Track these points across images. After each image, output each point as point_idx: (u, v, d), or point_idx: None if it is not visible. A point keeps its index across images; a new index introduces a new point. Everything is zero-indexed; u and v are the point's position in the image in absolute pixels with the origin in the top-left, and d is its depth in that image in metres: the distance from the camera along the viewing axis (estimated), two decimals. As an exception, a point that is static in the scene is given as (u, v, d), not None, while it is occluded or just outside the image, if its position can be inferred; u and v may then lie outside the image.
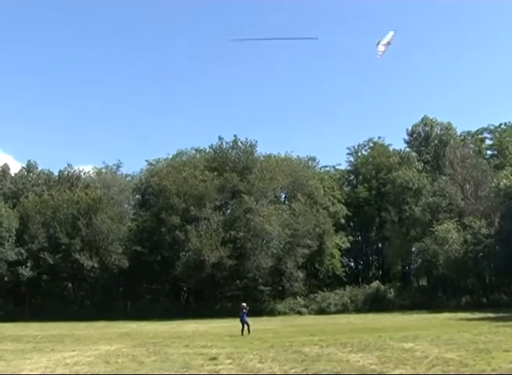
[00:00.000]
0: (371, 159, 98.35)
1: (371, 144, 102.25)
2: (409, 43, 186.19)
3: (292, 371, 18.96)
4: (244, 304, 40.06)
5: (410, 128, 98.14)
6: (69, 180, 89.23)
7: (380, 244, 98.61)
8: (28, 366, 22.20)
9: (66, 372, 20.35)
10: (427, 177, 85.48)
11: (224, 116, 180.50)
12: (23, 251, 75.79)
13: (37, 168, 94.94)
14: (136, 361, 23.23)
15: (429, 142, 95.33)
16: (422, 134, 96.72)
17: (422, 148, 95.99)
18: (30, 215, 78.14)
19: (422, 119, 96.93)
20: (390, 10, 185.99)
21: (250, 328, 37.67)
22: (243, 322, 38.02)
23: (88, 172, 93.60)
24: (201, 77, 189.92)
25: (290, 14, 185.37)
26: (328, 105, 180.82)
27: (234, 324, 47.16)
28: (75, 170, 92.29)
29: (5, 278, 75.58)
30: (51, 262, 74.30)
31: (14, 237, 76.61)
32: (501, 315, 51.37)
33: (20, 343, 34.45)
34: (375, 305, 71.80)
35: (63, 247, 74.97)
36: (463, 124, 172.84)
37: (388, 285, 78.56)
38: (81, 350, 28.65)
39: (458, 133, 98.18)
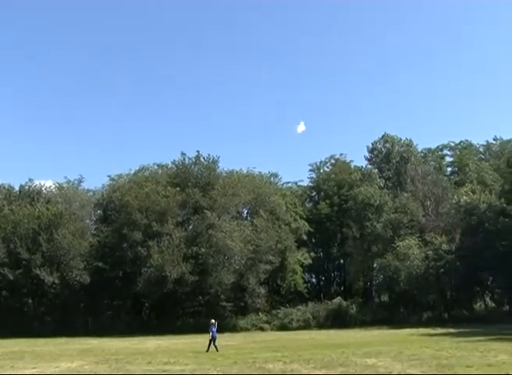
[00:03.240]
0: (332, 176, 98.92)
1: (333, 161, 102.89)
2: (370, 60, 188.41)
3: (256, 387, 18.97)
4: (213, 320, 39.87)
5: (370, 145, 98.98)
6: (29, 195, 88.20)
7: (342, 260, 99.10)
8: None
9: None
10: (388, 194, 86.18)
11: (186, 132, 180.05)
12: (-18, 266, 74.83)
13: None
14: (99, 378, 23.06)
15: (390, 159, 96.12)
16: (383, 151, 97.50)
17: (383, 165, 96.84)
18: (-11, 230, 77.23)
19: (383, 136, 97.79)
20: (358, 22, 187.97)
21: (216, 345, 37.48)
22: (213, 338, 37.77)
23: (50, 187, 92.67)
24: (164, 92, 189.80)
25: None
26: (290, 122, 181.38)
27: (196, 340, 47.14)
28: (36, 185, 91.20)
29: (-37, 293, 74.61)
30: (11, 278, 73.27)
31: (-27, 252, 75.64)
32: (462, 330, 51.87)
33: (-21, 360, 33.99)
34: (337, 320, 71.90)
35: (24, 262, 73.98)
36: (423, 141, 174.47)
37: (350, 301, 78.68)
38: (42, 367, 28.36)
39: (419, 150, 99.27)
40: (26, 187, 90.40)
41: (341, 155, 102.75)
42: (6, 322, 69.91)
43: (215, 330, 38.24)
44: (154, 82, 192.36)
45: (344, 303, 77.11)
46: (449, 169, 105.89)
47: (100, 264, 75.63)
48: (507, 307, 75.90)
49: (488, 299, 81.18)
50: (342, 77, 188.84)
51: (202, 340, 40.47)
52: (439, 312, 75.05)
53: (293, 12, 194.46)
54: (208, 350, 36.92)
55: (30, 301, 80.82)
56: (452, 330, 52.61)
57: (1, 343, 52.52)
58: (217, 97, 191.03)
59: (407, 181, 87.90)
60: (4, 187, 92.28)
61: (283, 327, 71.80)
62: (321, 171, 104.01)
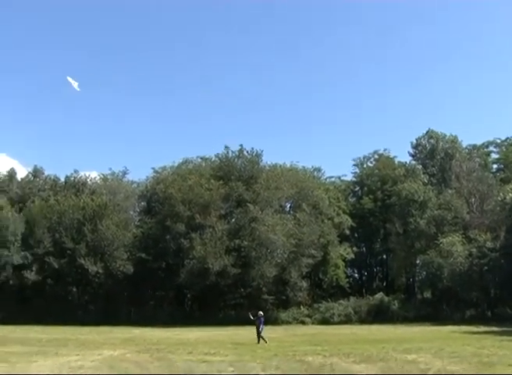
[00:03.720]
0: (376, 171, 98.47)
1: (377, 156, 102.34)
2: (415, 53, 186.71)
3: (295, 380, 19.08)
4: (261, 312, 40.08)
5: (414, 141, 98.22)
6: (75, 186, 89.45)
7: (384, 256, 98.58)
8: (33, 369, 22.38)
9: (71, 375, 20.51)
10: (432, 190, 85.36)
11: (230, 125, 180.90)
12: (28, 255, 76.22)
13: (43, 173, 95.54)
14: (140, 366, 23.37)
15: (435, 155, 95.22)
16: (428, 147, 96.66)
17: (427, 161, 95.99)
18: (36, 219, 78.56)
19: (427, 132, 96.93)
20: (393, 18, 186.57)
21: (262, 337, 37.71)
22: (260, 330, 38.00)
23: (94, 178, 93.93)
24: (208, 86, 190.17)
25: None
26: (334, 116, 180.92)
27: (237, 332, 47.39)
28: (81, 176, 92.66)
29: (10, 281, 75.98)
30: (56, 267, 74.69)
31: (20, 241, 77.11)
32: (505, 329, 51.17)
33: (25, 346, 34.64)
34: (379, 316, 71.63)
35: (68, 252, 75.27)
36: (469, 138, 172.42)
37: (392, 297, 78.37)
38: (85, 354, 28.81)
39: (464, 147, 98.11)
40: (72, 179, 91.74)
41: (385, 150, 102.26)
42: (51, 309, 71.20)
43: (261, 322, 38.48)
44: (200, 75, 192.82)
45: (386, 299, 76.79)
46: (494, 166, 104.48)
47: (143, 255, 76.40)
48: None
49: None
50: (386, 71, 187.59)
51: (243, 332, 40.73)
52: (482, 309, 74.25)
53: None
54: (258, 341, 37.11)
55: (75, 289, 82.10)
56: (495, 329, 51.96)
57: (46, 330, 53.43)
58: (261, 91, 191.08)
59: (452, 178, 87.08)
60: (50, 178, 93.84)
61: (324, 321, 71.74)
62: (365, 166, 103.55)
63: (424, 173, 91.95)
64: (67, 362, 25.06)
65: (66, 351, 30.56)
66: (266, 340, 37.18)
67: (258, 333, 37.89)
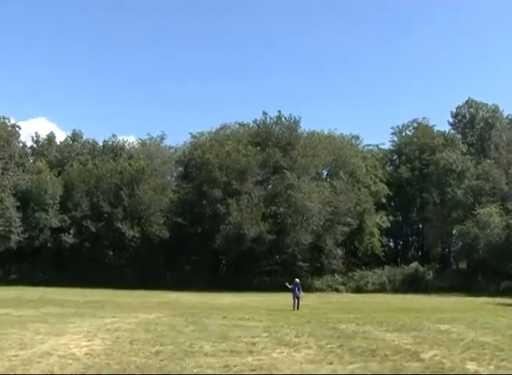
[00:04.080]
0: (415, 140, 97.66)
1: (415, 125, 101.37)
2: (455, 23, 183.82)
3: (328, 346, 19.21)
4: (297, 279, 40.37)
5: (454, 110, 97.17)
6: (113, 150, 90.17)
7: (420, 225, 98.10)
8: (71, 330, 22.78)
9: (107, 337, 20.84)
10: (471, 160, 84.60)
11: (269, 91, 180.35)
12: (66, 218, 77.41)
13: (81, 137, 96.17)
14: (175, 330, 23.65)
15: (474, 125, 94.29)
16: (467, 116, 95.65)
17: (467, 131, 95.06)
18: (74, 183, 79.56)
19: (467, 101, 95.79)
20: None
21: (300, 304, 38.01)
22: (296, 297, 38.25)
23: (132, 143, 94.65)
24: (248, 50, 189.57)
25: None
26: (373, 84, 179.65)
27: (271, 298, 47.70)
28: (119, 141, 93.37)
29: (48, 244, 77.32)
30: (94, 230, 75.63)
31: (58, 205, 78.30)
32: (540, 301, 51.03)
33: (63, 307, 35.29)
34: (413, 285, 71.59)
35: (105, 215, 76.14)
36: (509, 107, 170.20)
37: (427, 266, 78.32)
38: (121, 317, 29.23)
39: (504, 116, 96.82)
40: (110, 143, 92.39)
41: (424, 119, 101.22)
42: (88, 272, 72.17)
43: (298, 289, 38.75)
44: (239, 40, 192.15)
45: (421, 268, 76.74)
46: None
47: (179, 220, 76.99)
48: None
49: None
50: (426, 39, 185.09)
51: (277, 298, 41.03)
52: (518, 281, 73.91)
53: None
54: (293, 308, 37.36)
55: (111, 253, 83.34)
56: (529, 301, 51.75)
57: (82, 292, 54.25)
58: (302, 56, 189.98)
59: (491, 148, 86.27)
60: (88, 143, 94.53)
61: (358, 290, 71.96)
62: (403, 134, 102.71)
63: (463, 143, 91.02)
64: (104, 324, 25.46)
65: (103, 314, 31.04)
66: (299, 307, 37.43)
67: (296, 299, 38.15)
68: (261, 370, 14.66)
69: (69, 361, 15.58)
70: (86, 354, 16.86)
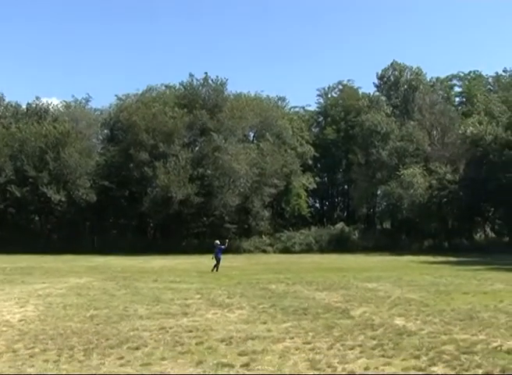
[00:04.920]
0: (340, 101, 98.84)
1: (341, 87, 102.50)
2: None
3: (260, 306, 19.59)
4: (218, 241, 40.50)
5: (379, 72, 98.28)
6: (37, 113, 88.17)
7: (346, 186, 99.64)
8: (1, 297, 22.60)
9: (40, 303, 20.80)
10: (395, 122, 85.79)
11: (195, 53, 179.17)
12: (-12, 183, 75.61)
13: (4, 100, 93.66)
14: (108, 294, 23.71)
15: (399, 87, 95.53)
16: (392, 79, 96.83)
17: (391, 93, 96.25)
18: (-3, 147, 77.66)
19: (392, 64, 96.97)
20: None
21: (218, 266, 38.11)
22: (217, 259, 38.36)
23: (57, 105, 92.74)
24: (172, 12, 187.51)
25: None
26: (299, 46, 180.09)
27: (200, 261, 47.91)
28: (43, 103, 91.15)
29: (-30, 210, 75.57)
30: (18, 195, 74.03)
31: (-20, 169, 76.32)
32: (461, 259, 52.63)
33: (-10, 274, 34.84)
34: (339, 245, 72.77)
35: (30, 180, 74.63)
36: (432, 70, 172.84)
37: (352, 227, 79.81)
38: (52, 282, 29.06)
39: (428, 79, 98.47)
40: (34, 105, 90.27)
41: (349, 81, 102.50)
42: (13, 238, 71.01)
43: (219, 250, 38.89)
44: (165, 2, 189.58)
45: (347, 229, 78.18)
46: (457, 99, 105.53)
47: (106, 183, 76.19)
48: (507, 238, 76.72)
49: (488, 230, 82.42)
50: (354, 2, 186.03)
51: (206, 260, 41.17)
52: (440, 240, 75.98)
53: None
54: (214, 269, 37.55)
55: (37, 218, 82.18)
56: (452, 259, 53.30)
57: (9, 259, 53.49)
58: (227, 17, 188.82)
59: (415, 110, 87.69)
60: (11, 105, 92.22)
61: (286, 250, 72.84)
62: (329, 96, 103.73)
63: (387, 105, 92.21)
64: (34, 290, 25.30)
65: (32, 280, 30.77)
66: (215, 270, 37.58)
67: (217, 260, 38.28)
68: (197, 331, 14.92)
69: (4, 328, 15.55)
70: (20, 320, 16.83)
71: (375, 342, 13.38)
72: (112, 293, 24.06)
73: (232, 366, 11.21)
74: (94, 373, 10.84)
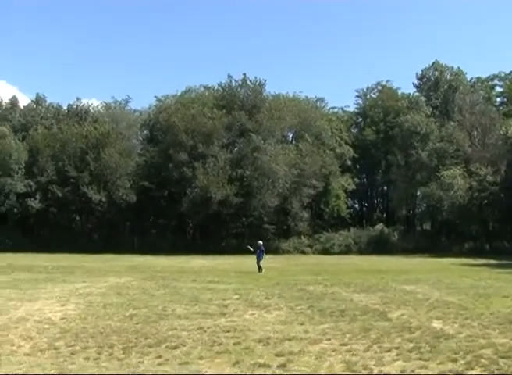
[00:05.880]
0: (379, 102, 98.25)
1: (380, 88, 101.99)
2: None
3: (298, 308, 19.66)
4: (260, 242, 40.56)
5: (419, 72, 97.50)
6: (77, 114, 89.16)
7: (385, 187, 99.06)
8: (43, 295, 22.96)
9: (80, 302, 21.10)
10: (435, 122, 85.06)
11: (234, 54, 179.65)
12: (32, 183, 76.72)
13: (45, 101, 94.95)
14: (147, 293, 23.97)
15: (439, 87, 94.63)
16: (432, 79, 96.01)
17: (431, 93, 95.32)
18: (39, 148, 78.79)
19: (433, 64, 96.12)
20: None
21: (260, 266, 38.16)
22: (258, 259, 38.41)
23: (97, 106, 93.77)
24: (211, 14, 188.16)
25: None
26: (338, 46, 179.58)
27: (239, 261, 48.16)
28: (84, 104, 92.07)
29: (15, 209, 76.80)
30: (60, 195, 75.12)
31: (23, 170, 77.55)
32: (503, 262, 51.90)
33: (33, 273, 35.28)
34: (379, 247, 72.47)
35: (72, 180, 75.63)
36: (473, 70, 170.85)
37: (392, 228, 79.37)
38: (92, 281, 29.43)
39: (468, 79, 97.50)
40: (74, 107, 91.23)
41: (387, 81, 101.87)
42: (55, 238, 72.06)
43: (261, 252, 38.92)
44: (204, 2, 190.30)
45: (386, 230, 77.75)
46: (498, 99, 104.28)
47: (146, 183, 76.83)
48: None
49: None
50: (393, 2, 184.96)
51: (245, 261, 41.36)
52: (481, 242, 75.20)
53: None
54: (259, 270, 37.57)
55: (78, 218, 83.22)
56: (492, 261, 52.61)
57: (51, 257, 54.22)
58: (266, 18, 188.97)
59: (455, 110, 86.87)
60: (53, 106, 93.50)
61: (325, 251, 72.75)
62: (368, 97, 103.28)
63: (427, 105, 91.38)
64: (75, 289, 25.65)
65: (73, 279, 31.21)
66: (263, 269, 37.63)
67: (258, 262, 38.38)
68: (235, 331, 15.05)
69: (46, 326, 15.85)
70: (61, 318, 17.13)
71: (412, 345, 13.37)
72: (151, 293, 24.31)
73: (268, 367, 11.30)
74: (133, 370, 11.01)
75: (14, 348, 12.97)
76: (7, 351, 12.54)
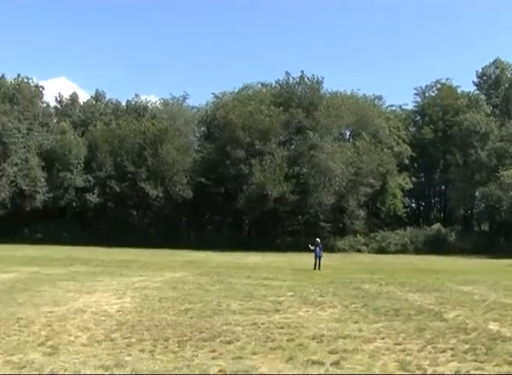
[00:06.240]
0: (438, 101, 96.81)
1: (439, 86, 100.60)
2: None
3: (352, 306, 19.60)
4: (318, 239, 40.58)
5: (480, 70, 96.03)
6: (136, 110, 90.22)
7: (443, 187, 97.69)
8: (100, 288, 23.36)
9: (137, 295, 21.37)
10: (495, 122, 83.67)
11: (291, 51, 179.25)
12: (90, 178, 78.16)
13: (104, 97, 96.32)
14: (202, 288, 24.15)
15: (499, 85, 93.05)
16: (492, 77, 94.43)
17: (492, 92, 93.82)
18: (98, 143, 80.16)
19: (494, 62, 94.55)
20: None
21: (321, 264, 38.22)
22: (317, 257, 38.46)
23: (155, 102, 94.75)
24: (270, 11, 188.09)
25: None
26: (397, 44, 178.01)
27: (294, 258, 48.21)
28: (142, 101, 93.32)
29: (73, 204, 78.21)
30: (118, 190, 76.26)
31: (82, 165, 78.94)
32: None
33: (90, 266, 35.99)
34: (435, 247, 71.75)
35: (129, 175, 76.68)
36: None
37: (449, 228, 78.47)
38: (148, 275, 29.82)
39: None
40: (133, 103, 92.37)
41: (447, 79, 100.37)
42: (112, 232, 73.05)
43: (319, 249, 38.93)
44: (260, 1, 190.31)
45: (443, 230, 76.93)
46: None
47: (202, 180, 77.39)
48: None
49: None
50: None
51: (300, 258, 41.40)
52: (541, 244, 73.84)
53: None
54: (314, 268, 37.61)
55: (135, 213, 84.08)
56: (553, 263, 51.74)
57: (108, 251, 55.11)
58: (323, 16, 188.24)
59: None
60: (111, 103, 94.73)
61: (380, 250, 72.39)
62: (427, 95, 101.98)
63: (487, 104, 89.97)
64: (131, 282, 26.01)
65: (130, 272, 31.66)
66: (318, 268, 37.66)
67: (317, 259, 38.38)
68: (289, 328, 15.07)
69: (103, 317, 16.11)
70: (118, 311, 17.40)
71: (467, 346, 13.19)
72: (206, 288, 24.51)
73: (322, 364, 11.29)
74: (187, 363, 11.11)
75: (72, 338, 13.22)
76: (65, 341, 12.79)
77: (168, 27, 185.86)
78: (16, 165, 76.23)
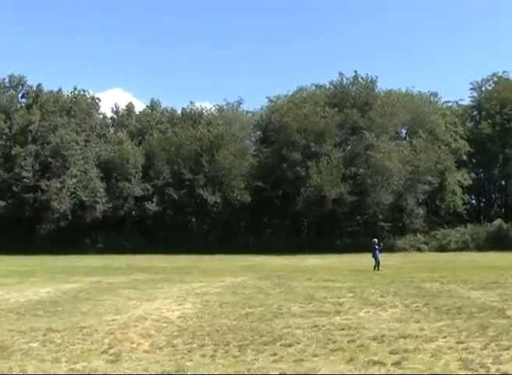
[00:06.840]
0: (495, 94, 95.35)
1: (496, 79, 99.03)
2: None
3: (413, 305, 19.47)
4: (375, 239, 40.33)
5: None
6: (191, 118, 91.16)
7: (503, 182, 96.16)
8: (161, 295, 23.56)
9: (197, 301, 21.55)
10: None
11: (344, 51, 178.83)
12: (148, 186, 79.21)
13: (160, 106, 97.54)
14: (263, 292, 24.21)
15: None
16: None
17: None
18: (155, 152, 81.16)
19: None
20: None
21: (379, 265, 37.94)
22: (376, 258, 38.21)
23: (210, 109, 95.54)
24: (320, 12, 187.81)
25: None
26: (450, 39, 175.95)
27: (354, 259, 47.94)
28: (197, 108, 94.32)
29: (133, 212, 79.33)
30: (176, 198, 77.10)
31: (140, 174, 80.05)
32: None
33: (150, 273, 36.34)
34: (497, 243, 70.63)
35: (187, 182, 77.47)
36: None
37: (511, 224, 77.18)
38: (208, 281, 29.97)
39: None
40: (188, 110, 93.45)
41: (504, 72, 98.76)
42: (172, 239, 73.69)
43: (376, 249, 38.65)
44: (312, 1, 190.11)
45: (505, 226, 75.78)
46: None
47: (260, 184, 77.75)
48: None
49: None
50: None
51: (360, 259, 41.19)
52: None
53: None
54: (374, 269, 37.32)
55: (194, 219, 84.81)
56: None
57: (168, 258, 55.62)
58: (375, 16, 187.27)
59: None
60: (167, 111, 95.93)
61: (441, 248, 71.58)
62: (483, 89, 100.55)
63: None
64: (192, 288, 26.18)
65: (190, 279, 31.88)
66: (377, 269, 37.32)
67: (375, 259, 38.09)
68: (349, 329, 15.04)
69: (164, 324, 16.28)
70: (179, 317, 17.55)
71: (532, 343, 13.02)
72: (266, 291, 24.55)
73: (383, 364, 11.26)
74: (248, 367, 11.20)
75: (134, 345, 13.41)
76: (127, 349, 12.99)
77: (221, 34, 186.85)
78: (75, 176, 77.76)
